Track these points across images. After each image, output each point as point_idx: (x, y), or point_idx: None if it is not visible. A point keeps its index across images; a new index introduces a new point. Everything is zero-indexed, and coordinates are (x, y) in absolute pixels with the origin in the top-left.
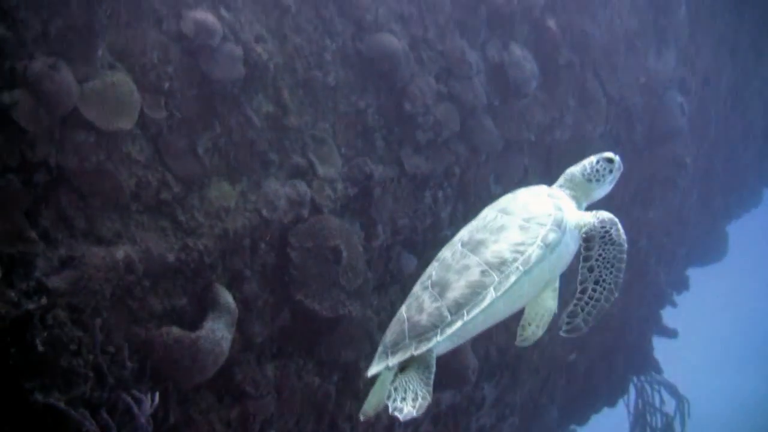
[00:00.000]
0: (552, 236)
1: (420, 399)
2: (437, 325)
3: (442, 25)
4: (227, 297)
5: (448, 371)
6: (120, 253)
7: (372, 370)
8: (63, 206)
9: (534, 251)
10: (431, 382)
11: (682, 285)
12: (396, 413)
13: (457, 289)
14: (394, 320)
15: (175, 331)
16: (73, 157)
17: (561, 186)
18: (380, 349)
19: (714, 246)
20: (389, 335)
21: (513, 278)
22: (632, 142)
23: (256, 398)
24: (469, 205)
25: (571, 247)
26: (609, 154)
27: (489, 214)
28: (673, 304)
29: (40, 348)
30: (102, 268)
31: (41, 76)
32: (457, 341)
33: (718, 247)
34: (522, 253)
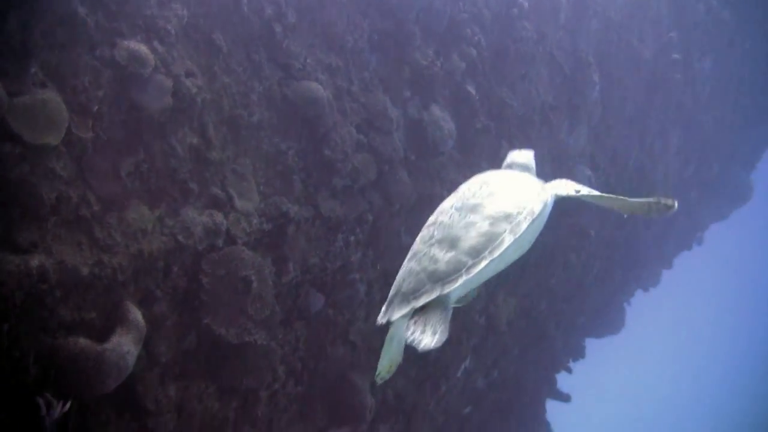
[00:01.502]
0: (545, 195)
1: (439, 334)
2: (459, 268)
3: (366, 80)
4: (137, 314)
5: (345, 407)
6: (35, 262)
7: (395, 315)
8: None
9: (536, 205)
10: (449, 321)
11: (579, 353)
12: (415, 344)
13: (470, 239)
14: (405, 274)
15: (82, 341)
16: None
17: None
18: (396, 299)
19: (611, 319)
20: (405, 285)
21: (525, 225)
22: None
23: (155, 415)
24: (379, 253)
25: (547, 211)
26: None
27: (470, 187)
28: (569, 370)
29: None
30: (15, 275)
31: None
32: (468, 287)
33: (616, 321)
34: (525, 207)
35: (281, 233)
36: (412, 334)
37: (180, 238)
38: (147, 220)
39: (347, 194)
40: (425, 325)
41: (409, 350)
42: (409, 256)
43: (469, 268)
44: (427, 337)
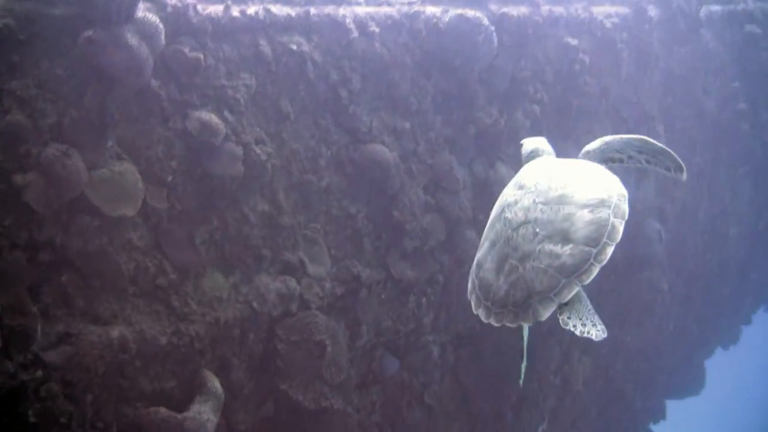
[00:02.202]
0: (618, 179)
1: (599, 324)
2: (587, 258)
3: (432, 141)
4: (215, 382)
5: None
6: (115, 332)
7: (543, 314)
8: (64, 285)
9: (617, 185)
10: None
11: (659, 414)
12: (587, 336)
13: (581, 230)
14: (525, 275)
15: (163, 411)
16: (78, 239)
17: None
18: (533, 300)
19: (692, 378)
20: (539, 285)
21: (624, 206)
22: (612, 266)
23: None
24: (452, 314)
25: None
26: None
27: (538, 181)
28: None
29: (32, 419)
30: (97, 346)
31: (53, 161)
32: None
33: (696, 380)
34: (610, 189)
35: (354, 297)
36: (580, 328)
37: (254, 304)
38: (222, 287)
39: (417, 256)
40: (582, 319)
41: None
42: (517, 257)
43: (597, 256)
44: (594, 329)
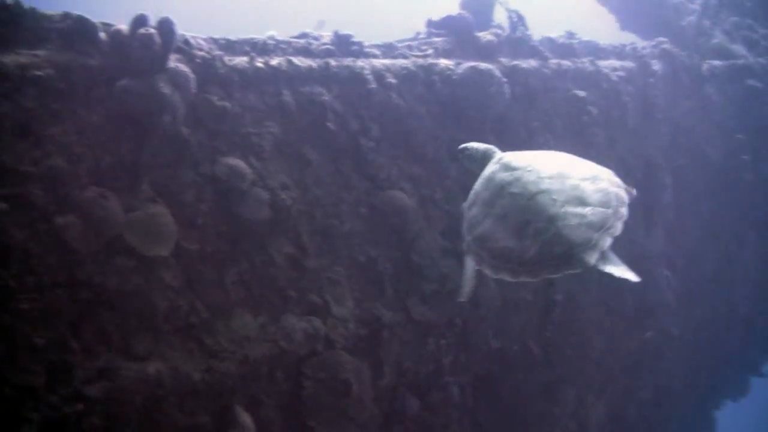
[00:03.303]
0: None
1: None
2: (608, 217)
3: (448, 188)
4: (246, 418)
5: None
6: (151, 368)
7: (590, 260)
8: (103, 322)
9: (601, 166)
10: None
11: None
12: (624, 277)
13: (592, 196)
14: (561, 232)
15: None
16: (115, 278)
17: None
18: (579, 249)
19: (701, 428)
20: (576, 237)
21: (617, 178)
22: (623, 313)
23: None
24: (470, 356)
25: None
26: None
27: (531, 164)
28: None
29: None
30: (134, 381)
31: (92, 203)
32: None
33: (705, 430)
34: (598, 168)
35: (376, 338)
36: (617, 272)
37: (282, 343)
38: (251, 326)
39: (436, 299)
40: (616, 266)
41: None
42: (543, 219)
43: (616, 215)
44: (628, 273)
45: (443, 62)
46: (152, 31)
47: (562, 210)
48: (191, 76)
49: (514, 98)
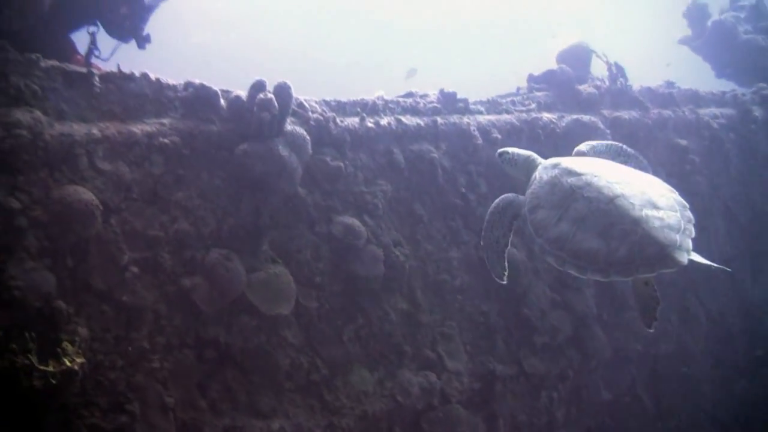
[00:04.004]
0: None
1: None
2: (679, 219)
3: None
4: None
5: None
6: (275, 425)
7: (684, 259)
8: (228, 381)
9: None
10: None
11: None
12: (718, 267)
13: (659, 200)
14: (650, 233)
15: None
16: (239, 337)
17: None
18: (670, 249)
19: None
20: (665, 238)
21: (666, 184)
22: (733, 364)
23: None
24: (582, 408)
25: None
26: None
27: (593, 169)
28: None
29: None
30: None
31: (217, 265)
32: None
33: None
34: (649, 176)
35: (490, 391)
36: (709, 263)
37: (399, 398)
38: (368, 382)
39: (547, 351)
40: (705, 261)
41: None
42: (628, 222)
43: (684, 218)
44: (717, 265)
45: (546, 116)
46: (270, 96)
47: (643, 213)
48: (308, 138)
49: None
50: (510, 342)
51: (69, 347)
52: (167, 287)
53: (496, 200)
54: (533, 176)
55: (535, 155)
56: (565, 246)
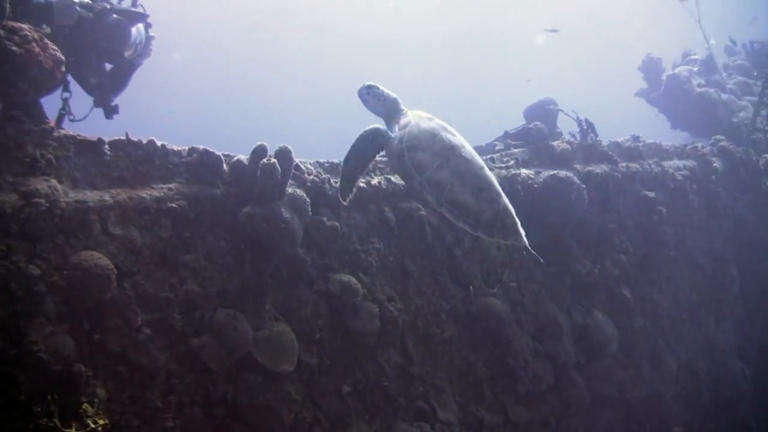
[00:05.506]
0: None
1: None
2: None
3: (535, 292)
4: None
5: None
6: None
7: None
8: None
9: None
10: None
11: None
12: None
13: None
14: (506, 208)
15: None
16: (245, 394)
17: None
18: (515, 228)
19: None
20: (514, 217)
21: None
22: (701, 406)
23: None
24: None
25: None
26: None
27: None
28: None
29: None
30: None
31: (224, 325)
32: None
33: None
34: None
35: None
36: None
37: None
38: None
39: (530, 399)
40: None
41: None
42: (494, 192)
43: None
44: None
45: (524, 172)
46: (274, 160)
47: (499, 189)
48: (308, 200)
49: (591, 202)
50: (496, 391)
51: (89, 409)
52: (178, 347)
53: (364, 130)
54: (405, 120)
55: (399, 101)
56: (444, 191)
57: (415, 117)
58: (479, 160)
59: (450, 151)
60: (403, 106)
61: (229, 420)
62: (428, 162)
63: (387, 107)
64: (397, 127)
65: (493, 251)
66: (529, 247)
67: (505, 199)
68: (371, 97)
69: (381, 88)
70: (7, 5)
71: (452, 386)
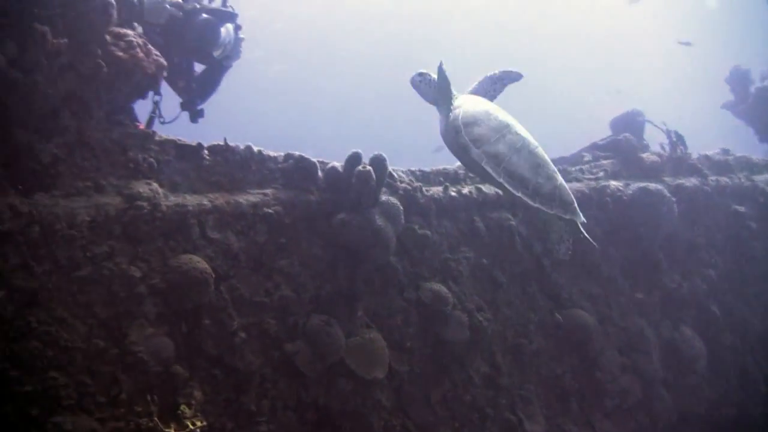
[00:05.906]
0: None
1: None
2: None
3: (622, 305)
4: None
5: None
6: None
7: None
8: None
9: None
10: None
11: None
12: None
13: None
14: (563, 185)
15: None
16: (336, 400)
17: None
18: (572, 205)
19: None
20: (571, 193)
21: None
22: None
23: None
24: None
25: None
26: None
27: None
28: None
29: None
30: None
31: (319, 331)
32: None
33: None
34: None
35: None
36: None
37: None
38: None
39: (617, 414)
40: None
41: None
42: (552, 169)
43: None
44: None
45: (613, 184)
46: (369, 168)
47: (554, 167)
48: (401, 208)
49: (679, 215)
50: (583, 404)
51: (186, 410)
52: (272, 352)
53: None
54: (458, 102)
55: (451, 86)
56: (501, 163)
57: (468, 99)
58: (533, 139)
59: (506, 128)
60: (455, 91)
61: (319, 425)
62: (485, 135)
63: (443, 96)
64: (450, 109)
65: (556, 222)
66: (586, 224)
67: (561, 178)
68: (424, 84)
69: (432, 74)
70: (115, 12)
71: (539, 398)
